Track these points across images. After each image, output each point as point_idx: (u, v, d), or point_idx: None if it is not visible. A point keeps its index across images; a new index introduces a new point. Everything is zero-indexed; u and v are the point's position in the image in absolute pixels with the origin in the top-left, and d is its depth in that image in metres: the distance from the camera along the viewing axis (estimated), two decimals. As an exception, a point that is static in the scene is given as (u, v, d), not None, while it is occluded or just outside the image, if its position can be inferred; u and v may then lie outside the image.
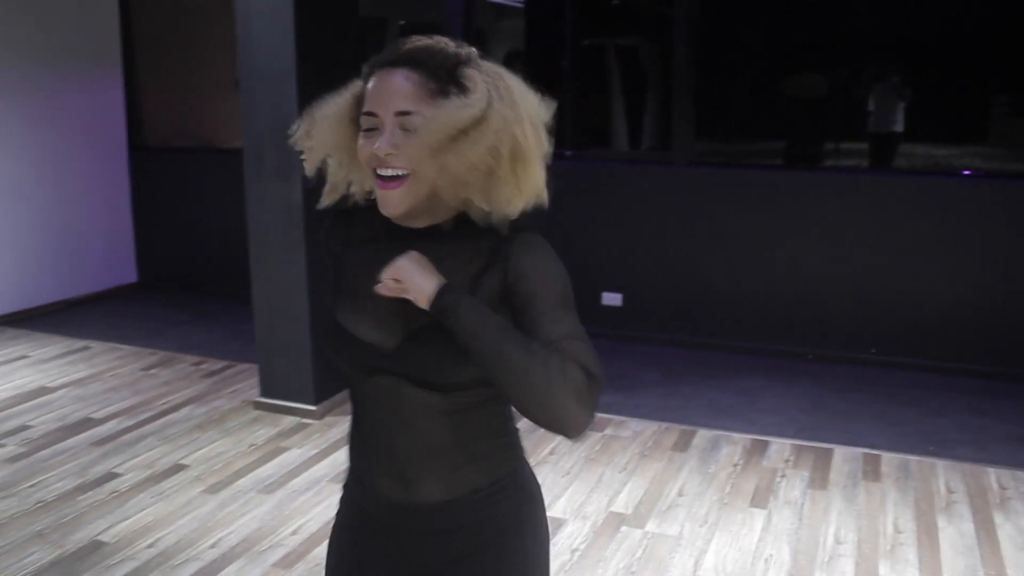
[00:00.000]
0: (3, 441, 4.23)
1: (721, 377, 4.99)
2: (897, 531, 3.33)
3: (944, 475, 3.78)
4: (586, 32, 5.78)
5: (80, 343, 5.74)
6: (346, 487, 1.56)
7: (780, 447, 4.06)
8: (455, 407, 1.38)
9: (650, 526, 3.38)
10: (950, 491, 3.64)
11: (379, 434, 1.43)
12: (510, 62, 6.33)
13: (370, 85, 1.34)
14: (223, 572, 3.08)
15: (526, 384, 1.26)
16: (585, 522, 3.41)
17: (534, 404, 1.26)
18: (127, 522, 3.45)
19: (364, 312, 1.39)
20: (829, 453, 3.99)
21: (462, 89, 1.30)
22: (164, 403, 4.68)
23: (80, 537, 3.34)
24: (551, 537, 3.17)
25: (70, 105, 6.47)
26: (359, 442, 1.48)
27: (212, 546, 3.26)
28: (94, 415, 4.54)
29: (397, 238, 1.38)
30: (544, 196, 1.41)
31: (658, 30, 5.60)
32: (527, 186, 1.36)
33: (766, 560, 3.14)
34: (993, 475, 3.76)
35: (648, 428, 4.29)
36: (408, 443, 1.40)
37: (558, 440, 4.16)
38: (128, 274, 7.15)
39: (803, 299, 5.23)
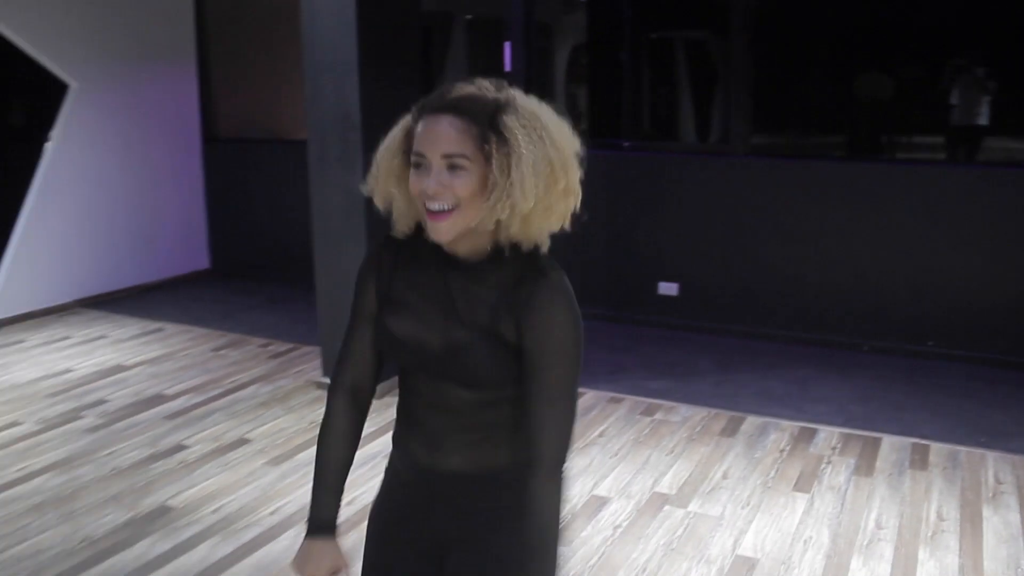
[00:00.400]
0: (83, 413, 4.49)
1: (774, 366, 5.01)
2: (940, 519, 3.35)
3: (994, 466, 3.77)
4: (647, 26, 5.83)
5: (155, 324, 6.02)
6: (390, 458, 1.71)
7: (828, 435, 4.09)
8: (482, 401, 1.54)
9: (692, 506, 3.45)
10: (999, 482, 3.63)
11: (418, 412, 1.61)
12: (574, 56, 6.42)
13: (419, 128, 1.46)
14: (280, 537, 3.25)
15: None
16: (629, 501, 3.50)
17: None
18: (193, 489, 3.65)
19: (413, 322, 1.55)
20: (878, 442, 4.01)
21: (499, 135, 1.42)
22: (232, 381, 4.90)
23: (151, 502, 3.55)
24: (596, 514, 3.29)
25: (149, 99, 6.77)
26: (403, 414, 1.65)
27: (271, 513, 3.44)
28: (166, 391, 4.78)
29: (444, 263, 1.53)
30: (567, 223, 1.53)
31: (720, 24, 5.62)
32: (559, 216, 1.50)
33: (805, 542, 3.19)
34: (1045, 467, 3.74)
35: (698, 414, 4.35)
36: (441, 423, 1.57)
37: (608, 423, 4.26)
38: (201, 261, 7.45)
39: (860, 290, 5.22)
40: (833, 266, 5.26)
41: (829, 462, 3.82)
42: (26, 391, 4.81)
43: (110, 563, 3.12)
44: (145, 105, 6.75)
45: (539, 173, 1.43)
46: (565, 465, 1.50)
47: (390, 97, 4.45)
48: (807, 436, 4.08)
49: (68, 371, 5.13)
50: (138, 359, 5.32)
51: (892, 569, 3.02)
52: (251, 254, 7.25)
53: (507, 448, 1.56)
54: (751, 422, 4.24)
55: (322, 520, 1.63)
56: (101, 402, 4.64)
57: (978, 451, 3.90)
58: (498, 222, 1.47)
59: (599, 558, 3.10)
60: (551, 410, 1.47)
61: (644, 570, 3.03)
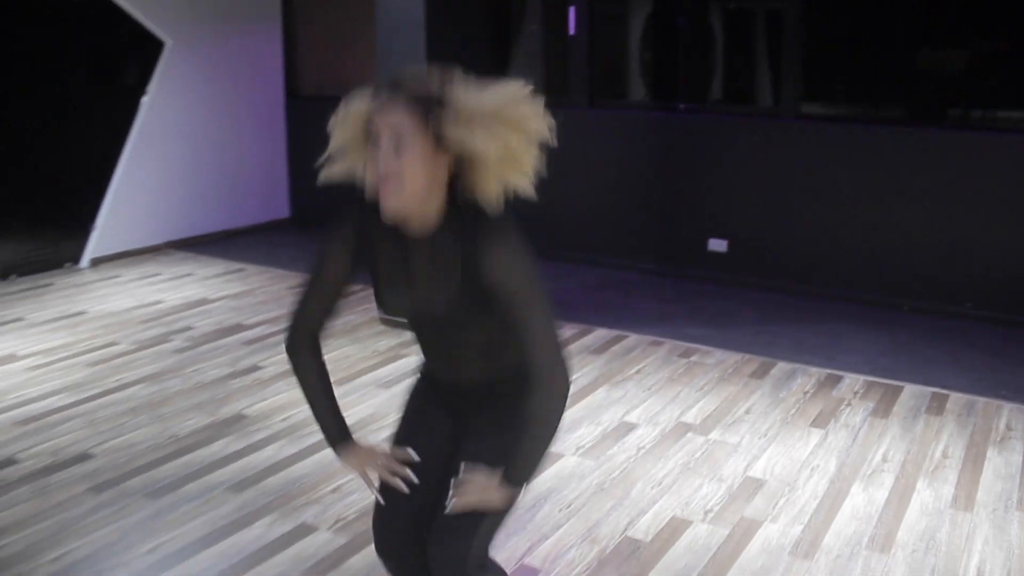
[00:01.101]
0: (171, 337, 4.99)
1: (813, 321, 5.24)
2: (944, 456, 3.59)
3: (1008, 416, 3.96)
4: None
5: (237, 265, 6.51)
6: (420, 370, 2.13)
7: (852, 381, 4.33)
8: (482, 337, 1.90)
9: (713, 435, 3.76)
10: (1009, 428, 3.84)
11: (432, 352, 2.02)
12: (647, 22, 6.61)
13: (375, 109, 1.73)
14: (340, 443, 3.66)
15: (552, 437, 1.84)
16: (655, 428, 3.82)
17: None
18: (265, 402, 4.10)
19: (399, 292, 1.88)
20: (899, 390, 4.23)
21: (445, 110, 1.70)
22: (304, 316, 5.34)
23: (228, 410, 4.01)
24: (623, 437, 3.62)
25: (237, 57, 7.24)
26: (423, 351, 2.05)
27: (333, 424, 3.85)
28: (245, 321, 5.26)
29: (407, 240, 1.81)
30: (526, 188, 1.81)
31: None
32: (512, 175, 1.77)
33: (812, 469, 3.47)
34: (1058, 418, 3.93)
35: (732, 358, 4.63)
36: (453, 356, 1.97)
37: (647, 362, 4.57)
38: (281, 210, 7.94)
39: (901, 252, 5.39)
40: (876, 228, 5.44)
41: (849, 404, 4.07)
42: (122, 318, 5.34)
43: (191, 456, 3.57)
44: (233, 62, 7.23)
45: (492, 135, 1.70)
46: (564, 354, 1.81)
47: (455, 56, 4.79)
48: (832, 381, 4.33)
49: (159, 302, 5.65)
50: (221, 294, 5.82)
51: (889, 495, 3.28)
52: (328, 204, 7.67)
53: (510, 355, 1.91)
54: (781, 367, 4.51)
55: (339, 433, 2.01)
56: (187, 329, 5.13)
57: (996, 402, 4.10)
58: (451, 194, 1.76)
59: (620, 472, 3.44)
60: (532, 323, 1.77)
61: (660, 484, 3.35)
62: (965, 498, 3.26)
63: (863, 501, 3.24)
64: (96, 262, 6.56)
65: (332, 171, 1.86)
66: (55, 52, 6.46)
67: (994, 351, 4.76)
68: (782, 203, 5.71)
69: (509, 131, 1.72)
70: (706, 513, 3.16)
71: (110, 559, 2.89)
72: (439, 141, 1.71)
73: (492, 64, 7.11)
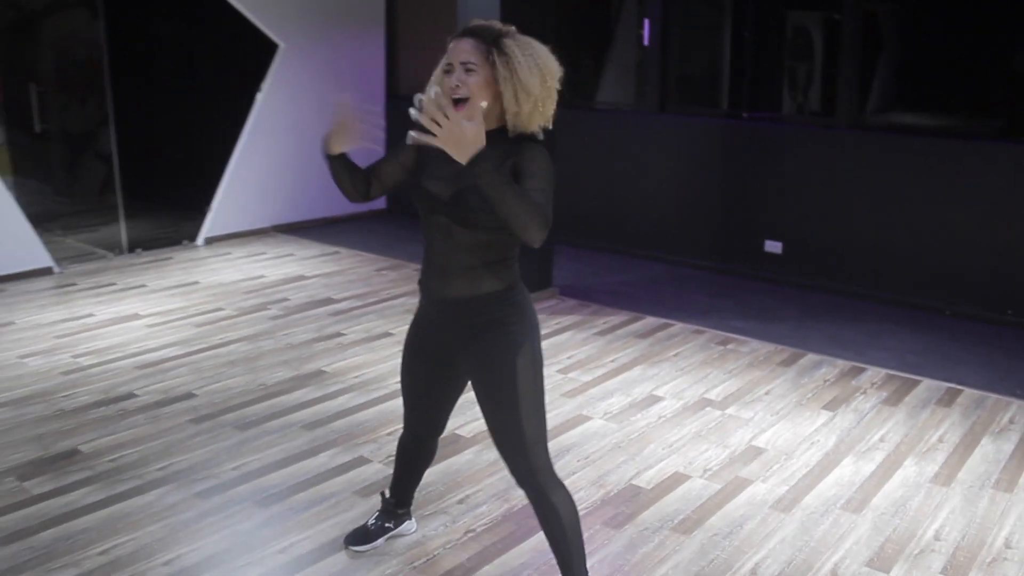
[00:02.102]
0: (270, 306, 5.68)
1: (854, 320, 5.56)
2: (940, 441, 3.93)
3: (1014, 412, 4.25)
4: (773, 7, 6.40)
5: (333, 249, 7.21)
6: (419, 302, 2.60)
7: (874, 373, 4.67)
8: (479, 241, 2.36)
9: (730, 410, 4.19)
10: (1011, 422, 4.13)
11: (433, 253, 2.45)
12: (716, 34, 7.00)
13: (449, 47, 2.34)
14: (399, 400, 4.24)
15: (516, 218, 2.18)
16: (679, 401, 4.28)
17: (519, 228, 2.19)
18: (343, 362, 4.72)
19: (434, 177, 2.40)
20: (916, 383, 4.56)
21: (501, 50, 2.27)
22: (387, 293, 5.98)
23: (310, 367, 4.65)
24: (648, 407, 4.06)
25: (342, 58, 7.95)
26: (425, 262, 2.51)
27: (397, 382, 4.43)
28: (334, 296, 5.92)
29: None
30: (550, 123, 2.36)
31: (835, 7, 6.10)
32: (542, 115, 2.33)
33: (812, 443, 3.87)
34: (1062, 416, 4.20)
35: (765, 347, 5.02)
36: (449, 259, 2.41)
37: (685, 347, 5.00)
38: (378, 201, 8.62)
39: (947, 259, 5.66)
40: (924, 235, 5.72)
41: (864, 392, 4.43)
42: (228, 288, 6.08)
43: (275, 401, 4.22)
44: (339, 63, 7.94)
45: (532, 74, 2.25)
46: (548, 224, 2.15)
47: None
48: (854, 373, 4.68)
49: (261, 277, 6.37)
50: (316, 272, 6.51)
51: (876, 468, 3.66)
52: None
53: (497, 278, 2.40)
54: (810, 358, 4.88)
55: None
56: (284, 300, 5.82)
57: (1006, 399, 4.38)
58: (503, 114, 2.30)
59: (639, 435, 3.91)
60: (538, 192, 2.21)
61: (671, 446, 3.82)
62: (947, 476, 3.61)
63: (850, 472, 3.63)
64: (210, 241, 7.36)
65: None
66: (184, 54, 7.28)
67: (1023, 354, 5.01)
68: (836, 209, 6.04)
69: (539, 78, 2.27)
70: (705, 471, 3.61)
71: (203, 472, 3.54)
72: (493, 69, 2.27)
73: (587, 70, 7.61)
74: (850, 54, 5.87)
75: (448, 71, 2.33)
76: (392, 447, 3.74)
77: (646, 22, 6.72)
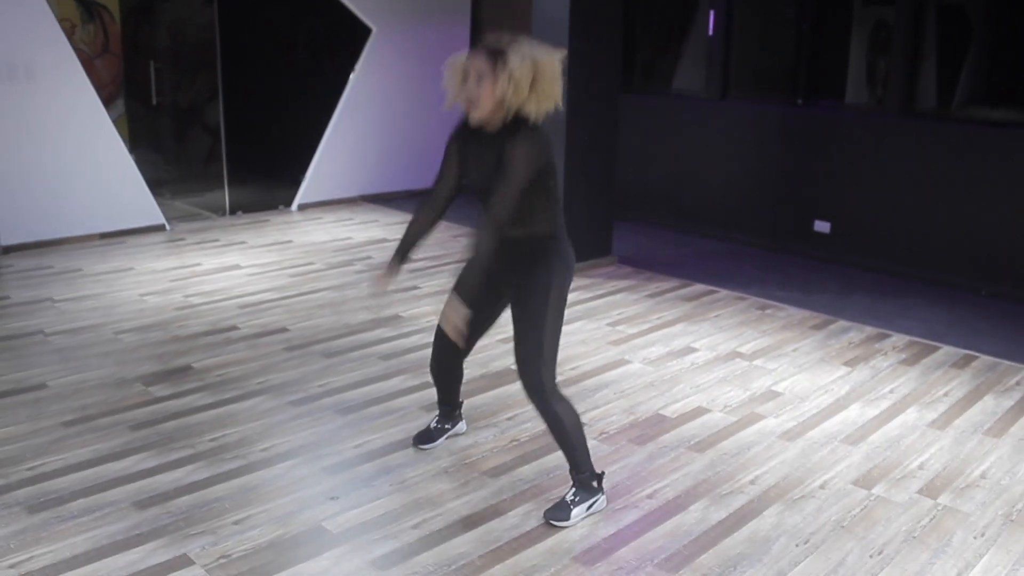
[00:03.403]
0: (355, 263, 6.35)
1: (892, 295, 5.94)
2: (945, 395, 4.34)
3: (1022, 376, 4.62)
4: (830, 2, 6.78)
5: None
6: None
7: (898, 339, 5.08)
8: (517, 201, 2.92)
9: (757, 362, 4.66)
10: (1017, 385, 4.51)
11: (486, 207, 3.01)
12: (773, 25, 7.39)
13: (468, 58, 2.92)
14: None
15: (480, 263, 2.85)
16: (712, 352, 4.78)
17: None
18: (417, 309, 5.36)
19: (474, 168, 3.01)
20: (935, 349, 4.95)
21: (504, 60, 2.83)
22: (460, 255, 6.59)
23: (388, 312, 5.29)
24: (683, 356, 4.56)
25: (429, 42, 8.57)
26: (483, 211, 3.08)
27: (463, 327, 5.04)
28: (413, 256, 6.53)
29: (486, 139, 2.94)
30: (554, 109, 2.93)
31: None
32: (538, 104, 2.88)
33: (825, 391, 4.33)
34: (1068, 381, 4.56)
35: (800, 314, 5.46)
36: None
37: (727, 310, 5.48)
38: (457, 177, 9.25)
39: (985, 241, 5.98)
40: (965, 218, 6.05)
41: (884, 354, 4.85)
42: (320, 247, 6.77)
43: (356, 337, 4.86)
44: (426, 49, 8.57)
45: (522, 80, 2.81)
46: (505, 220, 2.83)
47: (593, 47, 5.87)
48: (879, 338, 5.10)
49: (349, 238, 7.05)
50: (397, 236, 7.09)
51: (880, 412, 4.10)
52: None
53: (540, 227, 3.00)
54: (840, 324, 5.31)
55: (395, 256, 3.24)
56: (368, 258, 6.49)
57: (1018, 365, 4.75)
58: (507, 111, 2.87)
59: (671, 377, 4.43)
60: (504, 188, 2.82)
61: (697, 387, 4.33)
62: (944, 422, 4.04)
63: (856, 414, 4.08)
64: (302, 207, 8.09)
65: (448, 102, 3.03)
66: (286, 35, 8.00)
67: (1048, 332, 5.33)
68: (882, 192, 6.40)
69: (541, 77, 2.85)
70: (725, 407, 4.11)
71: (294, 387, 4.20)
72: (499, 77, 2.84)
73: (661, 57, 8.09)
74: (900, 47, 6.22)
75: (464, 78, 2.91)
76: (454, 376, 4.35)
77: (711, 13, 7.16)
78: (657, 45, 8.18)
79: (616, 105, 6.22)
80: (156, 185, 7.18)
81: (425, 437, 3.65)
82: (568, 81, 5.76)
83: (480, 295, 3.12)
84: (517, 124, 2.89)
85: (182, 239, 6.92)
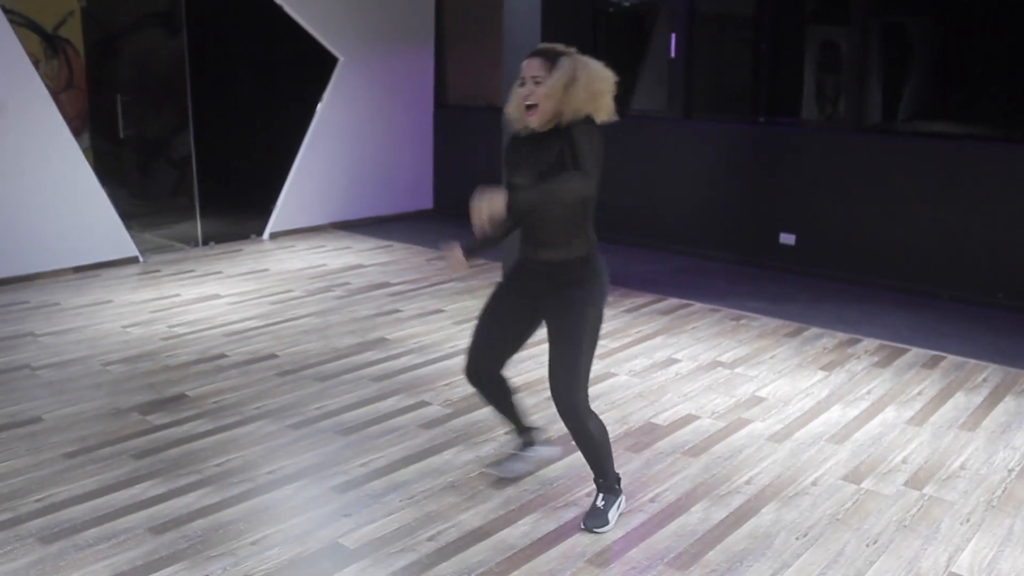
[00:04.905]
0: (334, 288, 6.42)
1: (859, 302, 6.16)
2: (919, 394, 4.53)
3: (988, 373, 4.84)
4: (782, 21, 7.05)
5: (386, 242, 7.94)
6: (518, 257, 3.27)
7: (869, 343, 5.28)
8: (559, 216, 3.03)
9: (738, 370, 4.83)
10: (984, 381, 4.73)
11: (527, 227, 3.14)
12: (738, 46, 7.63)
13: (523, 65, 3.04)
14: (455, 359, 4.94)
15: (560, 195, 2.90)
16: (694, 362, 4.93)
17: (569, 197, 2.91)
18: (402, 332, 5.43)
19: (520, 172, 3.09)
20: (905, 351, 5.16)
21: (559, 66, 2.96)
22: (437, 279, 6.69)
23: (374, 335, 5.36)
24: (666, 367, 4.69)
25: (395, 71, 8.71)
26: (521, 231, 3.18)
27: (451, 347, 5.14)
28: (391, 280, 6.64)
29: (536, 140, 3.06)
30: (611, 117, 3.03)
31: (840, 20, 6.72)
32: (596, 111, 2.99)
33: (806, 394, 4.50)
34: (1032, 377, 4.79)
35: (774, 323, 5.65)
36: (540, 232, 3.10)
37: (702, 322, 5.65)
38: (426, 202, 9.37)
39: (947, 249, 6.24)
40: (923, 226, 6.31)
41: (858, 358, 5.04)
42: (296, 274, 6.83)
43: (346, 360, 4.93)
44: (392, 76, 8.70)
45: (580, 81, 2.93)
46: (592, 180, 2.85)
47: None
48: (851, 343, 5.30)
49: (324, 265, 7.12)
50: (372, 262, 7.24)
51: (860, 412, 4.28)
52: (465, 198, 8.98)
53: (576, 247, 3.07)
54: (813, 331, 5.50)
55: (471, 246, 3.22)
56: (346, 283, 6.56)
57: (984, 363, 4.97)
58: (560, 113, 2.97)
59: (657, 387, 4.57)
60: (583, 161, 2.86)
61: (684, 395, 4.47)
62: (920, 419, 4.23)
63: (837, 415, 4.26)
64: (274, 235, 8.13)
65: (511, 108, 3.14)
66: (254, 67, 8.06)
67: (1009, 331, 5.57)
68: (843, 203, 6.65)
69: (594, 87, 2.96)
70: (713, 413, 4.26)
71: (292, 410, 4.26)
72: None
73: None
74: (847, 66, 6.49)
75: (521, 84, 3.03)
76: (449, 395, 4.44)
77: (673, 36, 7.39)
78: (618, 67, 8.39)
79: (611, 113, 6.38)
80: (125, 218, 7.19)
81: (503, 464, 3.63)
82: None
83: (516, 309, 3.23)
84: (570, 124, 2.94)
85: (157, 271, 6.93)
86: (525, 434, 3.62)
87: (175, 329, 5.49)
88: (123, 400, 4.39)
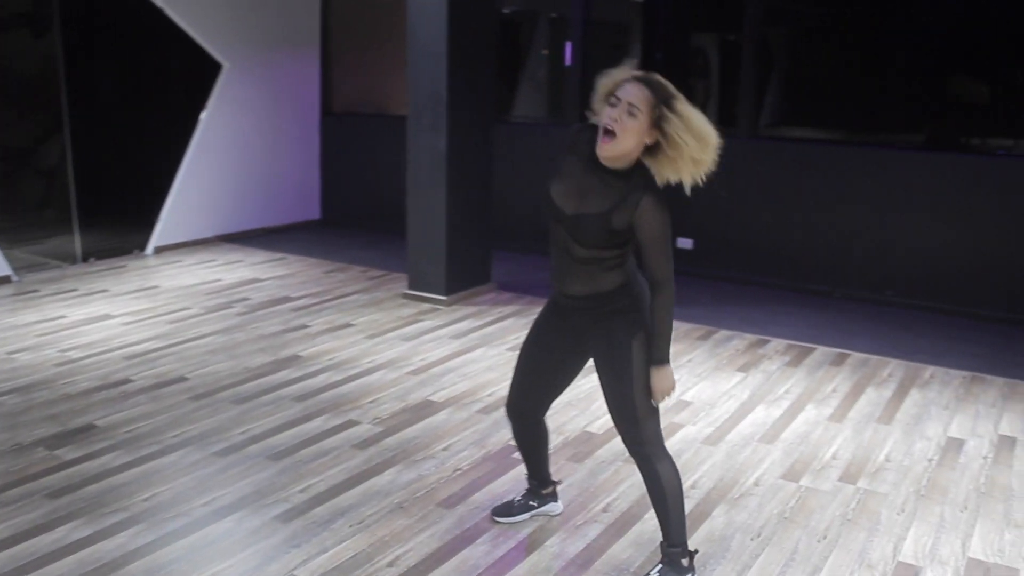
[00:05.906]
0: (233, 305, 6.16)
1: (760, 303, 6.37)
2: (833, 391, 4.72)
3: (892, 368, 5.09)
4: (681, 30, 7.23)
5: (279, 255, 7.69)
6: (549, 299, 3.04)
7: (777, 344, 5.47)
8: (591, 256, 2.69)
9: (659, 375, 4.89)
10: (889, 376, 4.97)
11: (555, 256, 2.81)
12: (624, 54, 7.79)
13: (622, 82, 2.62)
14: (375, 374, 4.82)
15: (671, 324, 2.73)
16: (615, 369, 4.96)
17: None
18: (315, 348, 5.25)
19: (561, 190, 2.79)
20: (812, 350, 5.37)
21: (671, 109, 2.57)
22: (340, 292, 6.52)
23: (285, 353, 5.17)
24: (584, 376, 4.73)
25: (281, 78, 8.45)
26: (552, 264, 2.84)
27: (368, 363, 5.01)
28: (292, 295, 6.42)
29: (592, 165, 2.70)
30: (695, 180, 2.68)
31: (736, 29, 6.96)
32: (691, 174, 2.67)
33: (730, 396, 4.61)
34: (929, 371, 5.06)
35: (683, 327, 5.76)
36: (569, 264, 2.76)
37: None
38: (314, 212, 9.13)
39: (837, 249, 6.53)
40: (815, 229, 6.59)
41: (770, 358, 5.21)
42: (189, 291, 6.52)
43: (262, 380, 4.73)
44: (278, 83, 8.44)
45: (691, 138, 2.58)
46: (671, 276, 2.66)
47: (470, 80, 5.99)
48: (760, 343, 5.47)
49: (218, 280, 6.82)
50: (269, 275, 6.99)
51: (783, 412, 4.42)
52: (354, 208, 8.89)
53: (613, 277, 2.74)
54: (722, 333, 5.65)
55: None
56: (245, 299, 6.30)
57: (885, 359, 5.23)
58: (634, 158, 2.61)
59: (585, 395, 4.58)
60: (657, 259, 2.65)
61: (614, 402, 4.49)
62: (840, 415, 4.40)
63: (762, 415, 4.38)
64: (159, 250, 7.74)
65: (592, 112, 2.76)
66: (135, 72, 7.66)
67: (904, 326, 5.88)
68: (739, 209, 6.86)
69: (695, 143, 2.61)
70: (645, 419, 4.30)
71: (214, 436, 4.04)
72: (654, 125, 2.60)
73: (502, 87, 8.30)
74: (747, 72, 6.72)
75: (613, 104, 2.61)
76: (376, 412, 4.32)
77: (568, 44, 7.46)
78: (507, 76, 8.42)
79: (491, 136, 6.36)
80: (-6, 235, 6.70)
81: (505, 510, 3.33)
82: (448, 112, 5.87)
83: (557, 343, 2.98)
84: (645, 176, 2.67)
85: (35, 290, 6.48)
86: (544, 485, 3.33)
87: (68, 353, 5.14)
88: (23, 434, 4.07)
